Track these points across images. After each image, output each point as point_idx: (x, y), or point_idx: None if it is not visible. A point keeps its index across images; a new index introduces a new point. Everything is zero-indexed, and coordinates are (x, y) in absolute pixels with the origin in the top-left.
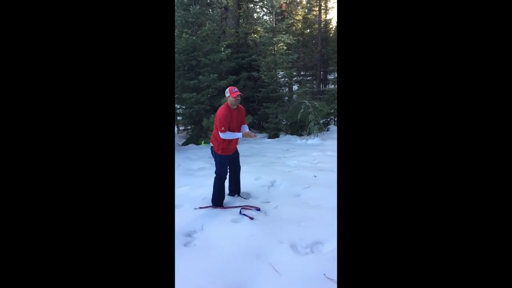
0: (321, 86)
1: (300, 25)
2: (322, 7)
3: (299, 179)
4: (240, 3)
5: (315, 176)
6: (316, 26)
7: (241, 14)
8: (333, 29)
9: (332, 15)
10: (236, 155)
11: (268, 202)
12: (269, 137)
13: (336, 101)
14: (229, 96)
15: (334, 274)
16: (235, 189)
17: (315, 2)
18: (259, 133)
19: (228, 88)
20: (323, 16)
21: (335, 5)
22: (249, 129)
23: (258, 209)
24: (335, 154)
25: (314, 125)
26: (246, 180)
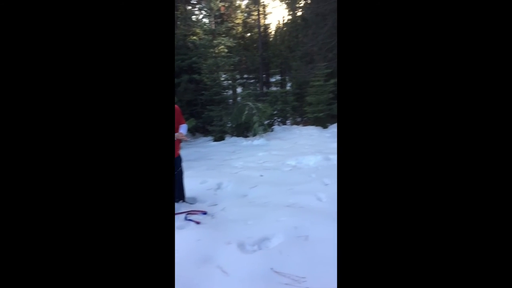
0: (263, 89)
1: (240, 29)
2: (260, 12)
3: (245, 180)
4: (177, 5)
5: (261, 176)
6: (256, 30)
7: (178, 15)
8: (272, 33)
9: (271, 20)
10: (178, 160)
11: (215, 204)
12: (215, 140)
13: (278, 103)
14: None
15: (281, 267)
16: (179, 195)
17: (254, 7)
18: (204, 136)
19: None
20: (262, 21)
21: (274, 10)
22: (194, 133)
23: (205, 213)
24: (280, 153)
25: (259, 126)
26: (191, 185)
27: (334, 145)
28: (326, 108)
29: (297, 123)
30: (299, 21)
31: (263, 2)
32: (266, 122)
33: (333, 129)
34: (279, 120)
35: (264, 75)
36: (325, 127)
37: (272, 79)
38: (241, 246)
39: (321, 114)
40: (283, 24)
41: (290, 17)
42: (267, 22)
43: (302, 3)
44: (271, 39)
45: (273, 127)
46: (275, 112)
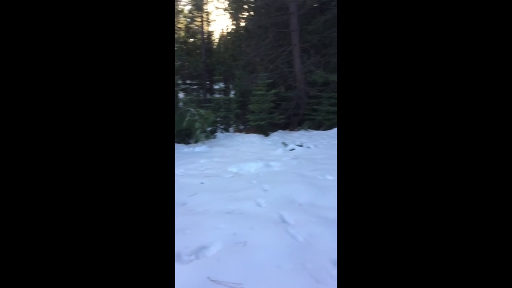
0: (207, 95)
1: (182, 34)
2: (204, 19)
3: (185, 187)
4: None
5: (202, 183)
6: (200, 36)
7: None
8: (216, 41)
9: (214, 28)
10: None
11: None
12: None
13: (221, 110)
14: None
15: (218, 275)
16: None
17: (197, 13)
18: None
19: None
20: (205, 28)
21: (217, 18)
22: None
23: None
24: (222, 160)
25: (201, 132)
26: None
27: (274, 152)
28: (267, 116)
29: (240, 131)
30: (242, 31)
31: (207, 9)
32: (208, 129)
33: (274, 137)
34: (222, 127)
35: (207, 82)
36: (266, 135)
37: (216, 86)
38: (178, 256)
39: (263, 122)
40: (227, 33)
41: (233, 26)
42: (210, 29)
43: (245, 15)
44: (214, 46)
45: (215, 134)
46: (218, 119)
